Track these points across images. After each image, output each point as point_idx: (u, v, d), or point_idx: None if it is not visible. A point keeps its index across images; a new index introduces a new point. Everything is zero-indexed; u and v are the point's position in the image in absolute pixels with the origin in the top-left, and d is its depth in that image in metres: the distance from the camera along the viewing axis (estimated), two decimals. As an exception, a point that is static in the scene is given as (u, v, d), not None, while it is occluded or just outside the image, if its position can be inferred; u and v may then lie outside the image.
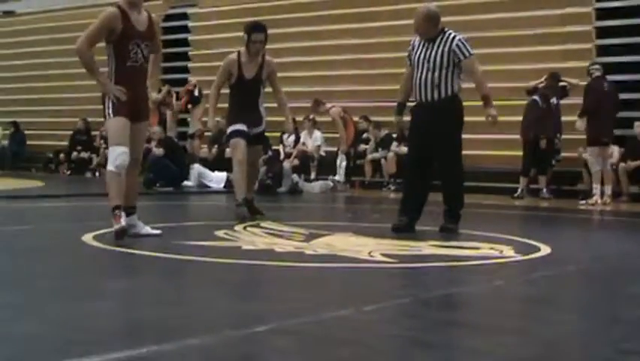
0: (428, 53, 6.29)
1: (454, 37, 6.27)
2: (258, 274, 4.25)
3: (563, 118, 12.02)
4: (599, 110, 10.86)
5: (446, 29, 6.35)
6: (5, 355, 2.35)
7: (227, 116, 7.28)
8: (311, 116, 13.85)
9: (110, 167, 5.22)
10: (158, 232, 5.54)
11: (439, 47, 6.26)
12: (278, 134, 13.75)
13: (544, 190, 11.77)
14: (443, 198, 6.46)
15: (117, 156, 5.19)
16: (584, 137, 11.65)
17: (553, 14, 13.23)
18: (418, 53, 6.35)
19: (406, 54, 6.56)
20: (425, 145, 6.38)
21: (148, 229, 5.49)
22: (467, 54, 6.26)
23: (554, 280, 4.34)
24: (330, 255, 4.83)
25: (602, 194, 10.98)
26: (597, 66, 11.32)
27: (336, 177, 13.38)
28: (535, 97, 11.82)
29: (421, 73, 6.29)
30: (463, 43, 6.28)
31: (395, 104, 6.76)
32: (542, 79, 12.06)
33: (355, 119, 13.92)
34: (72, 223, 6.37)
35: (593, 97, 10.92)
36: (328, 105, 13.77)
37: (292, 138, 13.85)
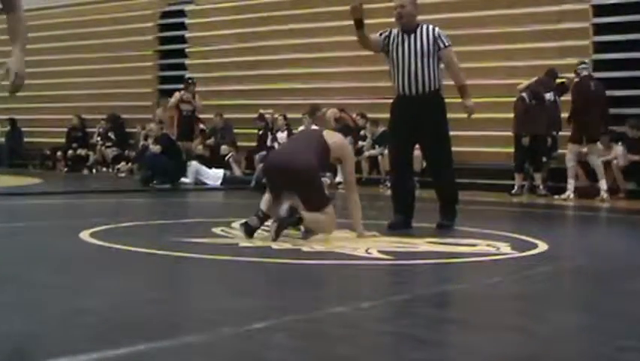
0: (411, 45, 6.27)
1: (434, 28, 6.34)
2: (255, 271, 4.25)
3: (562, 115, 12.04)
4: (587, 109, 11.01)
5: (423, 23, 6.38)
6: (3, 353, 2.35)
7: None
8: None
9: None
10: None
11: (421, 37, 6.28)
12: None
13: (541, 187, 11.78)
14: (437, 194, 6.47)
15: None
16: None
17: (550, 11, 13.23)
18: (398, 45, 6.32)
19: (383, 33, 6.45)
20: (412, 139, 6.38)
21: None
22: (447, 43, 6.30)
23: (551, 276, 4.34)
24: (327, 252, 4.84)
25: (599, 190, 11.04)
26: (585, 65, 11.45)
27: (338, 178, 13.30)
28: (523, 94, 11.83)
29: (405, 64, 6.26)
30: (441, 33, 6.33)
31: (388, 99, 6.72)
32: (533, 80, 12.07)
33: (352, 115, 13.89)
34: (69, 220, 6.37)
35: (580, 97, 11.13)
36: (324, 110, 13.53)
37: (285, 134, 13.78)
